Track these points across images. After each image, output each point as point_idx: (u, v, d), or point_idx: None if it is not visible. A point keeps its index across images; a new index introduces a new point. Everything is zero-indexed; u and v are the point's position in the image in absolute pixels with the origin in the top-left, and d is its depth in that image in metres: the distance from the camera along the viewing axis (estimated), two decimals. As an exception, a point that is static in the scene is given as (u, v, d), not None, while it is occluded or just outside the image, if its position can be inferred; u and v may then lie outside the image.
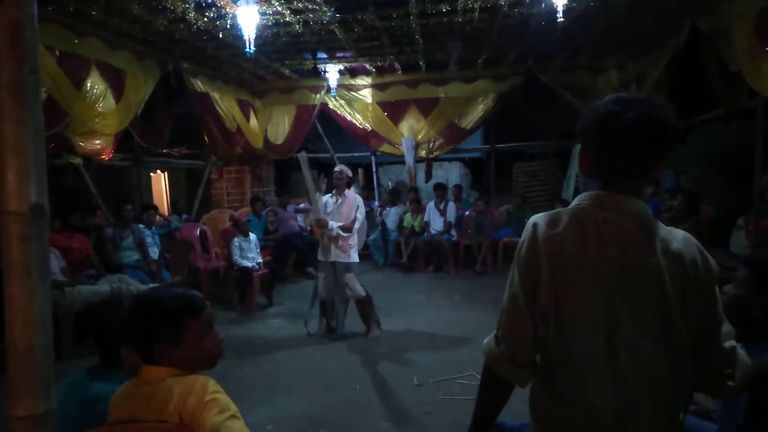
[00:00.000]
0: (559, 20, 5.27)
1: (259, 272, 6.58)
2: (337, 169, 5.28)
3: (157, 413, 1.44)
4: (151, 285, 5.46)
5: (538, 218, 1.37)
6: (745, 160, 6.10)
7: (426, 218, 8.63)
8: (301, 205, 9.07)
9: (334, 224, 5.03)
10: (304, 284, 7.52)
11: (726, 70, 5.44)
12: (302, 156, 5.23)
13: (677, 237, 1.28)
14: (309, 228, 8.21)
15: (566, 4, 5.21)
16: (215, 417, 1.41)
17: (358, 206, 5.16)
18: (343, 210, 5.12)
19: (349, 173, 5.32)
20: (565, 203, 8.90)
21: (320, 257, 5.22)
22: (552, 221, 1.33)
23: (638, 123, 1.24)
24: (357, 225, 5.11)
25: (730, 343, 1.31)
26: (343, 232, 5.04)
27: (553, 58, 8.14)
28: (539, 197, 9.54)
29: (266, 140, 9.61)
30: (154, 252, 6.37)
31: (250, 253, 6.69)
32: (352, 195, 5.23)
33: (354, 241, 5.17)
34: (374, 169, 10.64)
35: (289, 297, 6.94)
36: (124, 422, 1.49)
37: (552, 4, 5.25)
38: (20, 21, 1.25)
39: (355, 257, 5.17)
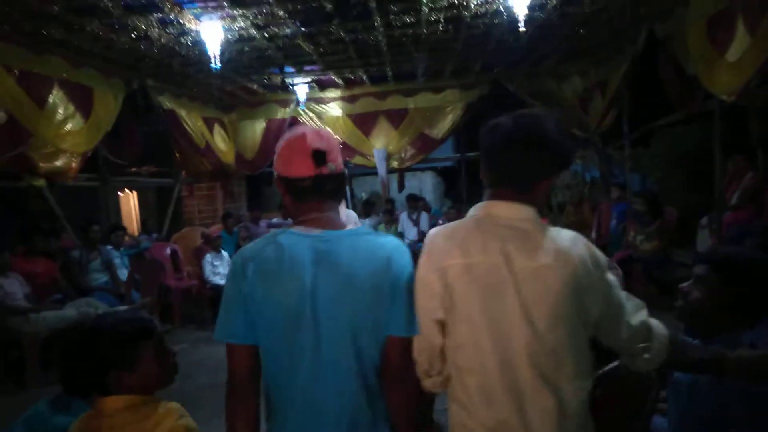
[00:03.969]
0: (521, 30, 5.37)
1: (232, 289, 6.49)
2: None
3: None
4: (120, 307, 5.35)
5: (434, 231, 1.43)
6: (705, 161, 6.29)
7: (399, 229, 8.66)
8: (274, 220, 9.00)
9: None
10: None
11: (683, 73, 5.60)
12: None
13: (565, 237, 1.33)
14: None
15: (528, 15, 5.32)
16: None
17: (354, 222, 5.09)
18: None
19: None
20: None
21: None
22: (445, 234, 1.39)
23: (509, 132, 1.34)
24: None
25: (638, 318, 1.36)
26: None
27: (518, 66, 8.28)
28: (511, 204, 9.62)
29: (237, 155, 9.54)
30: (125, 273, 6.25)
31: (222, 269, 6.61)
32: (344, 211, 5.12)
33: None
34: (348, 181, 10.64)
35: (263, 313, 6.85)
36: None
37: (514, 14, 5.35)
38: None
39: None
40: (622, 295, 1.36)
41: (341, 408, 1.35)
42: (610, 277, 1.35)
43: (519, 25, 5.33)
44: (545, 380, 1.28)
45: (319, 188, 1.43)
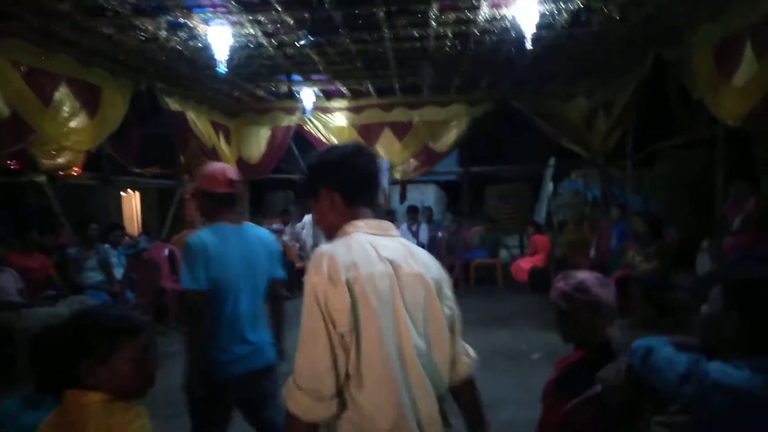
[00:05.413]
0: (528, 48, 5.38)
1: (229, 294, 6.46)
2: None
3: None
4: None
5: (329, 248, 1.43)
6: (708, 185, 6.27)
7: (399, 240, 8.64)
8: (275, 226, 8.99)
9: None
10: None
11: (688, 98, 5.60)
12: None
13: (423, 250, 1.56)
14: (282, 249, 8.13)
15: (535, 33, 5.33)
16: None
17: None
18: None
19: None
20: (537, 226, 9.02)
21: None
22: (340, 251, 1.42)
23: (369, 164, 1.57)
24: None
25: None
26: None
27: (525, 84, 8.30)
28: (510, 220, 9.63)
29: (240, 160, 9.55)
30: (121, 273, 6.23)
31: (219, 274, 6.58)
32: None
33: None
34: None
35: (258, 319, 6.80)
36: None
37: (521, 32, 5.36)
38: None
39: None
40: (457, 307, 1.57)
41: (250, 319, 2.50)
42: (452, 290, 1.57)
43: (526, 42, 5.35)
44: (431, 382, 1.43)
45: (231, 200, 2.51)
